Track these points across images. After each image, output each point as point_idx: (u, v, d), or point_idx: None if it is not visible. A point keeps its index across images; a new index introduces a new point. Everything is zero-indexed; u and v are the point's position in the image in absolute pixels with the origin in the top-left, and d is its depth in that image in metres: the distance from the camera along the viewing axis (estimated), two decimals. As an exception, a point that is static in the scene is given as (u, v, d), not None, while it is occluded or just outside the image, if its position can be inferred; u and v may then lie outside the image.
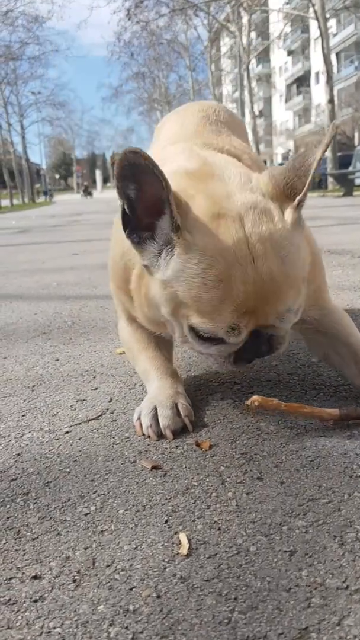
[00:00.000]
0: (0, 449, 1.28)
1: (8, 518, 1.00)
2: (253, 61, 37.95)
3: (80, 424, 1.39)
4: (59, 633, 0.73)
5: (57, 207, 26.76)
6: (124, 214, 1.18)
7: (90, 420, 1.41)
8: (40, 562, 0.88)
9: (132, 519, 0.97)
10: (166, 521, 0.96)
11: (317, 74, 43.47)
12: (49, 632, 0.74)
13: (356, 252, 4.21)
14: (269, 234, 1.13)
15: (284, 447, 1.20)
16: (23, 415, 1.47)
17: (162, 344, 1.52)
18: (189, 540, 0.89)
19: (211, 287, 1.10)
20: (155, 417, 1.29)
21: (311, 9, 20.34)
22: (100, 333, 2.34)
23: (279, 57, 53.11)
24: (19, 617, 0.76)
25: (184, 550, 0.87)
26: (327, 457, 1.14)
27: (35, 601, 0.79)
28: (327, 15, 20.40)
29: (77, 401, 1.55)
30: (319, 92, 41.55)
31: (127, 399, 1.54)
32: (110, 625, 0.74)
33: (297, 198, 1.17)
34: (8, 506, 1.04)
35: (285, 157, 51.87)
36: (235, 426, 1.30)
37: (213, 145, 1.50)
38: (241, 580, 0.80)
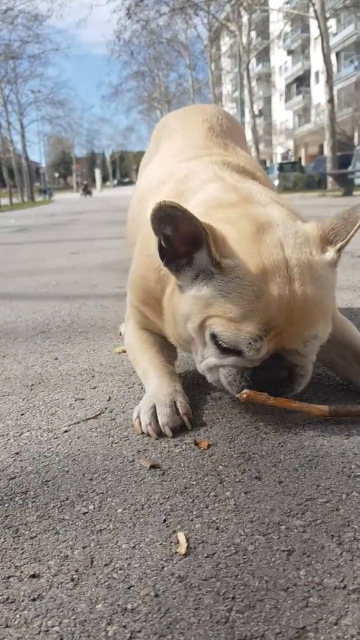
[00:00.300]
0: (-1, 448, 1.28)
1: (6, 517, 1.00)
2: (253, 60, 37.95)
3: (79, 422, 1.39)
4: (57, 632, 0.73)
5: (56, 205, 26.75)
6: (160, 247, 1.24)
7: (89, 419, 1.41)
8: (39, 560, 0.88)
9: (131, 518, 0.97)
10: (164, 520, 0.96)
11: (317, 73, 43.45)
12: (47, 630, 0.74)
13: (355, 251, 4.22)
14: (307, 260, 1.20)
15: (282, 446, 1.20)
16: (22, 414, 1.47)
17: (165, 348, 1.54)
18: (187, 540, 0.89)
19: (246, 300, 1.16)
20: (154, 415, 1.29)
21: (311, 9, 20.34)
22: (99, 332, 2.34)
23: (278, 56, 53.08)
24: (17, 616, 0.77)
25: (182, 549, 0.87)
26: (325, 457, 1.14)
27: (34, 600, 0.79)
28: (327, 15, 20.41)
29: (75, 400, 1.55)
30: (318, 92, 41.55)
31: (125, 398, 1.54)
32: (109, 624, 0.74)
33: (340, 244, 1.25)
34: (6, 505, 1.04)
35: (284, 156, 51.95)
36: (233, 425, 1.31)
37: (230, 164, 1.56)
38: (239, 579, 0.80)
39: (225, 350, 1.21)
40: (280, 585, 0.79)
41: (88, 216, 13.65)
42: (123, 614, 0.75)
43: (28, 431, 1.37)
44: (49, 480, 1.12)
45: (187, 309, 1.26)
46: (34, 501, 1.05)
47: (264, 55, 49.66)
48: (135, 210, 1.80)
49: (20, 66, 38.24)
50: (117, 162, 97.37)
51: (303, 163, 38.24)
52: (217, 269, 1.18)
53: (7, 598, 0.80)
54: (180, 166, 1.58)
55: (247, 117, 28.19)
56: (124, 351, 1.92)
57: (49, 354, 2.05)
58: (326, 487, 1.03)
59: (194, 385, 1.57)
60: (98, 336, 2.27)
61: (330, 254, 1.25)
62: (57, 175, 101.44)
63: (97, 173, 72.35)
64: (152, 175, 1.75)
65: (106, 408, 1.48)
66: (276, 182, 24.42)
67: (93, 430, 1.35)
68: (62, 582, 0.82)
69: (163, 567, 0.84)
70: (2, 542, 0.93)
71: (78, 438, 1.31)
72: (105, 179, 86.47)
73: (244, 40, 26.55)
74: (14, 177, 41.45)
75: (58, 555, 0.89)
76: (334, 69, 31.77)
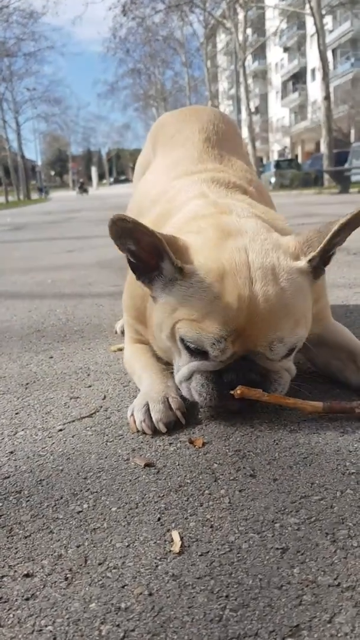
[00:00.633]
0: (-7, 447, 1.28)
1: (0, 516, 1.00)
2: (249, 58, 37.92)
3: (73, 421, 1.39)
4: (51, 631, 0.73)
5: (52, 204, 26.71)
6: (130, 262, 1.29)
7: (84, 418, 1.41)
8: (33, 560, 0.88)
9: (125, 517, 0.97)
10: (159, 519, 0.95)
11: (313, 70, 43.43)
12: (41, 630, 0.73)
13: (352, 249, 4.22)
14: (272, 265, 1.21)
15: (277, 444, 1.20)
16: (16, 413, 1.47)
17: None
18: (182, 538, 0.89)
19: (207, 301, 1.18)
20: (147, 412, 1.30)
21: (307, 6, 20.32)
22: (95, 331, 2.33)
23: (275, 53, 53.03)
24: (11, 615, 0.76)
25: (176, 548, 0.87)
26: (320, 454, 1.14)
27: (27, 599, 0.79)
28: (323, 12, 20.40)
29: (70, 399, 1.55)
30: (315, 89, 41.50)
31: (121, 397, 1.54)
32: (102, 623, 0.74)
33: (312, 254, 1.26)
34: (0, 504, 1.04)
35: (281, 154, 51.94)
36: (228, 423, 1.30)
37: (219, 180, 1.57)
38: (233, 577, 0.80)
39: (193, 352, 1.22)
40: (274, 583, 0.79)
41: (84, 214, 13.62)
42: (117, 613, 0.75)
43: (22, 430, 1.36)
44: (43, 479, 1.11)
45: (159, 318, 1.30)
46: (28, 500, 1.04)
47: (260, 52, 49.66)
48: None
49: (15, 64, 38.24)
50: (114, 159, 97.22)
51: (300, 160, 38.24)
52: (180, 274, 1.21)
53: (1, 597, 0.80)
54: (171, 184, 1.61)
55: (244, 115, 28.12)
56: (120, 349, 1.92)
57: (44, 352, 2.04)
58: (321, 484, 1.03)
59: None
60: (93, 335, 2.26)
61: (301, 262, 1.26)
62: (53, 173, 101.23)
63: (94, 171, 72.24)
64: (145, 193, 1.77)
65: (101, 407, 1.48)
66: (273, 180, 24.45)
67: (88, 429, 1.34)
68: (55, 582, 0.82)
69: (157, 566, 0.84)
70: (-4, 541, 0.93)
71: (73, 437, 1.30)
72: (101, 176, 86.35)
73: (240, 37, 26.51)
74: (9, 175, 41.36)
75: (52, 555, 0.88)
76: (330, 66, 31.78)
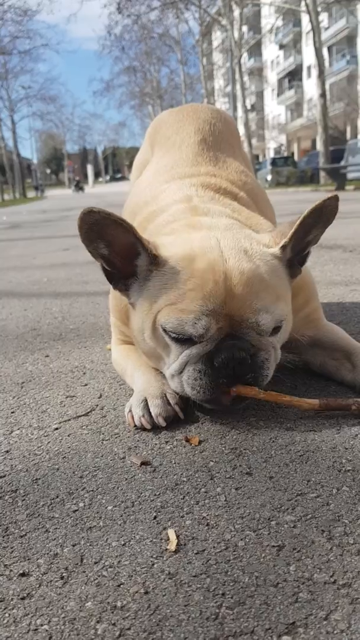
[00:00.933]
0: (-11, 446, 1.28)
1: (-4, 515, 0.99)
2: (245, 55, 37.91)
3: (69, 420, 1.39)
4: (47, 630, 0.73)
5: (48, 202, 26.65)
6: (104, 270, 1.29)
7: (80, 416, 1.41)
8: (28, 559, 0.87)
9: (121, 516, 0.97)
10: (155, 517, 0.95)
11: (308, 68, 43.43)
12: (36, 629, 0.73)
13: (347, 246, 4.22)
14: (244, 247, 1.23)
15: (273, 442, 1.20)
16: (12, 412, 1.46)
17: None
18: (178, 536, 0.89)
19: (182, 282, 1.18)
20: (146, 407, 1.30)
21: (303, 3, 20.30)
22: (91, 329, 2.33)
23: (270, 51, 53.00)
24: (6, 615, 0.76)
25: (172, 546, 0.87)
26: (316, 452, 1.14)
27: (23, 598, 0.79)
28: (319, 9, 20.36)
29: (66, 397, 1.54)
30: (310, 86, 41.55)
31: (117, 395, 1.54)
32: (98, 621, 0.74)
33: (284, 240, 1.27)
34: (-4, 503, 1.03)
35: (277, 151, 51.95)
36: (224, 421, 1.30)
37: (210, 185, 1.58)
38: (229, 575, 0.80)
39: (179, 341, 1.21)
40: (270, 581, 0.79)
41: (80, 212, 13.59)
42: (112, 612, 0.75)
43: (18, 429, 1.36)
44: (39, 479, 1.11)
45: (139, 320, 1.28)
46: (23, 499, 1.04)
47: (255, 49, 49.59)
48: None
49: (10, 62, 38.11)
50: (110, 157, 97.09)
51: (296, 158, 38.24)
52: (154, 265, 1.22)
53: (-4, 597, 0.79)
54: (162, 188, 1.62)
55: (240, 112, 28.12)
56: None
57: (39, 351, 2.04)
58: (317, 481, 1.03)
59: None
60: (89, 333, 2.26)
61: (274, 248, 1.28)
62: (48, 171, 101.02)
63: (89, 169, 72.04)
64: (139, 195, 1.77)
65: (97, 405, 1.47)
66: (269, 177, 24.45)
67: (84, 427, 1.34)
68: (51, 581, 0.82)
69: (153, 564, 0.84)
70: (-8, 541, 0.92)
71: (68, 436, 1.30)
72: (97, 175, 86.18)
73: (236, 34, 26.48)
74: (5, 173, 41.27)
75: (48, 554, 0.88)
76: (326, 63, 31.75)
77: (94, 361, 1.87)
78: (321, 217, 1.28)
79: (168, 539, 0.89)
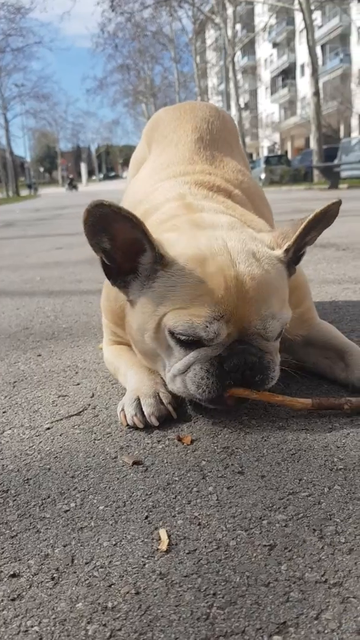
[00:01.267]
0: (-20, 446, 1.27)
1: (-13, 516, 0.99)
2: (238, 53, 37.89)
3: (61, 420, 1.38)
4: (37, 632, 0.73)
5: (41, 200, 26.56)
6: (104, 265, 1.26)
7: (72, 416, 1.40)
8: (19, 560, 0.87)
9: (112, 515, 0.96)
10: (146, 517, 0.95)
11: (302, 66, 43.48)
12: (27, 630, 0.73)
13: (340, 245, 4.23)
14: (252, 250, 1.22)
15: (265, 440, 1.20)
16: (4, 412, 1.46)
17: None
18: (169, 536, 0.89)
19: (192, 286, 1.16)
20: (138, 406, 1.29)
21: (296, 1, 20.30)
22: (83, 328, 2.32)
23: (264, 49, 53.00)
24: (-4, 617, 0.76)
25: (163, 546, 0.87)
26: (308, 450, 1.14)
27: (13, 600, 0.79)
28: (312, 8, 20.38)
29: (58, 397, 1.54)
30: (304, 85, 41.57)
31: (109, 394, 1.53)
32: (89, 622, 0.73)
33: (287, 243, 1.27)
34: (-13, 504, 1.03)
35: (271, 149, 51.97)
36: (216, 420, 1.30)
37: (204, 183, 1.57)
38: (220, 575, 0.80)
39: (186, 344, 1.19)
40: (262, 580, 0.78)
41: (74, 211, 13.55)
42: (103, 613, 0.75)
43: (10, 429, 1.35)
44: (30, 479, 1.11)
45: (140, 320, 1.25)
46: (14, 500, 1.03)
47: (249, 48, 49.57)
48: None
49: (3, 60, 37.85)
50: (103, 156, 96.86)
51: (289, 156, 38.30)
52: (160, 265, 1.19)
53: (-14, 599, 0.79)
54: (156, 186, 1.61)
55: (233, 110, 28.09)
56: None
57: (32, 350, 2.03)
58: (308, 480, 1.03)
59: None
60: (82, 332, 2.25)
61: (278, 251, 1.27)
62: (42, 169, 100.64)
63: (83, 167, 71.81)
64: (134, 193, 1.76)
65: (89, 405, 1.47)
66: (262, 176, 24.45)
67: (76, 427, 1.34)
68: (42, 581, 0.82)
69: (144, 565, 0.83)
70: (-18, 541, 0.92)
71: (60, 435, 1.29)
72: (91, 173, 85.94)
73: (229, 32, 26.47)
74: (-2, 171, 41.04)
75: (38, 554, 0.88)
76: (320, 61, 31.80)
77: (86, 360, 1.86)
78: (323, 220, 1.29)
79: (159, 539, 0.89)
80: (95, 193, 28.06)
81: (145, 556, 0.85)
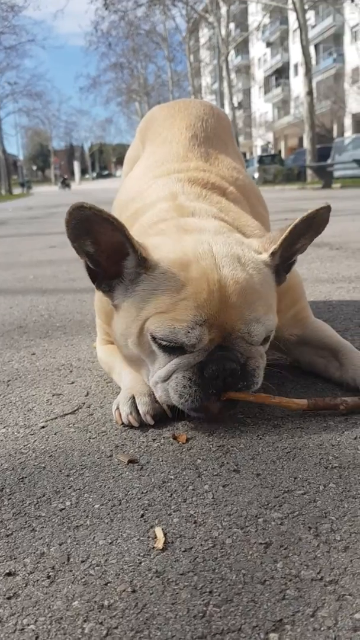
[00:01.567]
0: (-25, 445, 1.26)
1: (-18, 515, 0.99)
2: (232, 52, 37.90)
3: (56, 418, 1.38)
4: (33, 630, 0.72)
5: (34, 199, 26.48)
6: (88, 269, 1.24)
7: (67, 414, 1.40)
8: (15, 558, 0.87)
9: (108, 514, 0.96)
10: (142, 515, 0.95)
11: (295, 65, 43.54)
12: (23, 629, 0.73)
13: (334, 244, 4.24)
14: (237, 254, 1.21)
15: (260, 439, 1.20)
16: (-2, 410, 1.45)
17: None
18: (165, 534, 0.89)
19: (175, 290, 1.14)
20: (133, 404, 1.29)
21: (290, 1, 20.33)
22: (78, 326, 2.32)
23: (257, 48, 53.05)
24: (-8, 615, 0.75)
25: (159, 544, 0.87)
26: (303, 449, 1.15)
27: (9, 598, 0.78)
28: (306, 7, 20.43)
29: (53, 395, 1.53)
30: (297, 84, 41.61)
31: (104, 393, 1.53)
32: (85, 621, 0.73)
33: (273, 247, 1.26)
34: (-18, 503, 1.02)
35: (264, 149, 52.03)
36: (205, 420, 1.30)
37: (197, 181, 1.55)
38: (216, 573, 0.80)
39: (169, 349, 1.16)
40: (258, 578, 0.79)
41: (67, 209, 13.52)
42: (100, 611, 0.75)
43: (4, 427, 1.35)
44: (25, 477, 1.10)
45: (123, 324, 1.23)
46: (9, 498, 1.03)
47: (242, 47, 49.62)
48: None
49: (-4, 57, 37.69)
50: (96, 154, 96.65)
51: (283, 155, 38.35)
52: (143, 268, 1.18)
53: (-18, 597, 0.79)
54: (149, 184, 1.60)
55: (227, 109, 28.09)
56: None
57: (25, 349, 2.02)
58: (304, 478, 1.03)
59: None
60: (76, 331, 2.25)
61: (264, 255, 1.26)
62: (35, 168, 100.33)
63: (76, 166, 71.69)
64: (127, 191, 1.75)
65: (84, 403, 1.47)
66: (256, 175, 24.49)
67: (70, 425, 1.33)
68: (38, 580, 0.81)
69: (140, 563, 0.83)
70: (-23, 540, 0.92)
71: (55, 434, 1.29)
72: (84, 171, 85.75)
73: (223, 32, 26.48)
74: (-9, 170, 40.81)
75: (34, 553, 0.88)
76: (313, 61, 31.86)
77: (80, 359, 1.86)
78: (312, 226, 1.28)
79: (155, 537, 0.89)
80: (88, 191, 27.99)
81: (141, 554, 0.85)
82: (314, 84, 22.80)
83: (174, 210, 1.39)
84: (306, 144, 20.56)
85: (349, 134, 35.60)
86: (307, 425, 1.25)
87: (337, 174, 16.72)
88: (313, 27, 38.97)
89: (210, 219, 1.36)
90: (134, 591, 0.78)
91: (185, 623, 0.71)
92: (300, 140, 39.69)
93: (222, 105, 28.09)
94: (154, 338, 1.16)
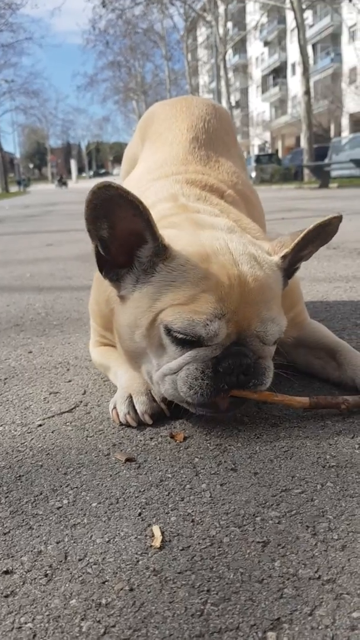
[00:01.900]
0: (-28, 443, 1.26)
1: (-21, 513, 0.98)
2: (229, 51, 37.88)
3: (53, 416, 1.38)
4: (30, 628, 0.72)
5: (31, 197, 26.42)
6: (98, 255, 1.20)
7: (64, 412, 1.40)
8: (12, 556, 0.86)
9: (105, 512, 0.96)
10: (139, 514, 0.95)
11: (293, 65, 43.58)
12: (20, 627, 0.73)
13: (331, 243, 4.24)
14: (253, 253, 1.20)
15: (258, 438, 1.20)
16: (-5, 408, 1.45)
17: None
18: (162, 533, 0.89)
19: (195, 282, 1.13)
20: (131, 404, 1.28)
21: (287, 0, 20.33)
22: (75, 325, 2.31)
23: (255, 47, 53.08)
24: (-11, 614, 0.75)
25: (157, 542, 0.87)
26: (300, 448, 1.15)
27: (6, 596, 0.78)
28: (304, 7, 20.42)
29: (50, 394, 1.53)
30: (295, 84, 41.69)
31: (101, 391, 1.53)
32: (82, 619, 0.73)
33: (285, 250, 1.26)
34: (-21, 501, 1.02)
35: (262, 148, 52.03)
36: (209, 417, 1.30)
37: (197, 182, 1.55)
38: (214, 572, 0.80)
39: (182, 342, 1.13)
40: (255, 577, 0.79)
41: (64, 207, 13.50)
42: (97, 609, 0.74)
43: (1, 426, 1.34)
44: (23, 475, 1.10)
45: (132, 316, 1.19)
46: (7, 496, 1.03)
47: (240, 46, 49.63)
48: None
49: (-7, 55, 37.58)
50: (93, 153, 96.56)
51: (280, 155, 38.38)
52: (161, 258, 1.15)
53: (-21, 596, 0.79)
54: (148, 185, 1.58)
55: (224, 109, 28.07)
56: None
57: (22, 347, 2.02)
58: (301, 477, 1.03)
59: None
60: (73, 329, 2.25)
61: (275, 257, 1.26)
62: (31, 166, 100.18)
63: (73, 164, 71.53)
64: None
65: (81, 401, 1.46)
66: (253, 174, 24.50)
67: (68, 424, 1.33)
68: (35, 578, 0.81)
69: (138, 561, 0.83)
70: (-26, 538, 0.91)
71: (52, 432, 1.29)
72: (81, 170, 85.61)
73: (221, 31, 26.46)
74: (-12, 167, 40.70)
75: (31, 551, 0.87)
76: (310, 60, 31.87)
77: (77, 357, 1.85)
78: (321, 234, 1.28)
79: (153, 536, 0.89)
80: (85, 190, 27.94)
81: (139, 553, 0.85)
82: (311, 84, 22.80)
83: (177, 208, 1.38)
84: (303, 143, 20.57)
85: (346, 133, 35.64)
86: (305, 425, 1.25)
87: (334, 173, 16.74)
88: (311, 26, 38.99)
89: (220, 217, 1.35)
90: (131, 589, 0.78)
91: (182, 621, 0.71)
92: (298, 139, 39.74)
93: (220, 104, 28.08)
94: (168, 330, 1.13)
